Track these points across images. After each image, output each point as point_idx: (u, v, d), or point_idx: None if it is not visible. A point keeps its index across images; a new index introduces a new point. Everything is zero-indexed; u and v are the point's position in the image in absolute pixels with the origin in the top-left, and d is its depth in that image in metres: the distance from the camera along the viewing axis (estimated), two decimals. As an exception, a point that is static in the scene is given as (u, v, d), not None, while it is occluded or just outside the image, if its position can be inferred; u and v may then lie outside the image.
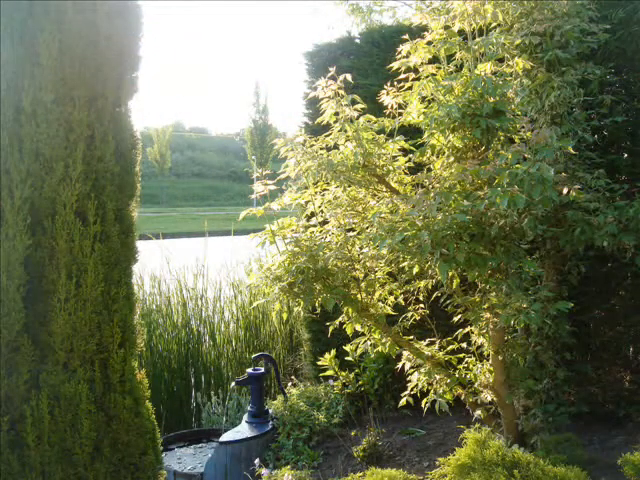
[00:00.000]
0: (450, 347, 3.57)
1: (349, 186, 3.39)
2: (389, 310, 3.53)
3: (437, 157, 3.37)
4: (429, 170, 3.40)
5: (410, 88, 3.34)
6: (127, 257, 2.62)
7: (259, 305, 5.80)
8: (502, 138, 3.20)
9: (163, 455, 2.85)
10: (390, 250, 2.92)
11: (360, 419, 4.40)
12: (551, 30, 3.42)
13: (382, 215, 3.04)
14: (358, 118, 3.31)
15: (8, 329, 2.34)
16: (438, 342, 3.60)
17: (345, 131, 3.30)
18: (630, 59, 4.10)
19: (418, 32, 3.55)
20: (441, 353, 3.56)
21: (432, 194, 2.90)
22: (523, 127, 3.26)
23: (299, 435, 4.13)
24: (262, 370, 4.45)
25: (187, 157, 64.84)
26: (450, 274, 3.19)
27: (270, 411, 4.37)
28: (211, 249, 6.32)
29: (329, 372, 4.65)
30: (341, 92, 3.31)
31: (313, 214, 3.52)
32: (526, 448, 3.26)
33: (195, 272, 5.96)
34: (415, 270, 3.18)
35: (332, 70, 3.30)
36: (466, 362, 3.62)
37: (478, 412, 3.53)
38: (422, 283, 3.53)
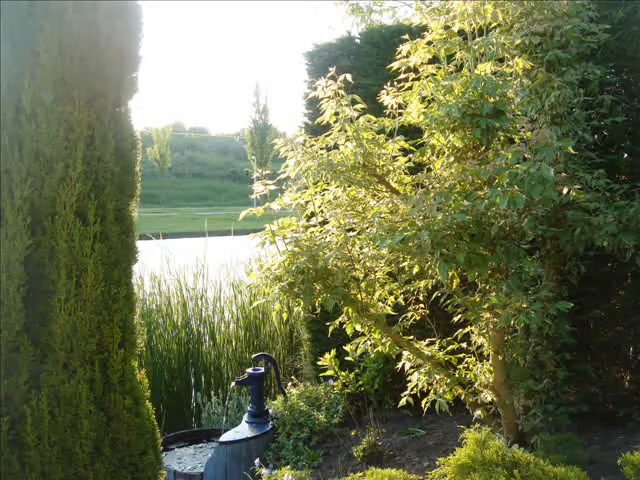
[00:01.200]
0: (450, 347, 3.57)
1: (349, 186, 3.39)
2: (389, 310, 3.53)
3: (437, 157, 3.37)
4: (429, 170, 3.39)
5: (410, 88, 3.34)
6: (127, 257, 2.62)
7: (259, 305, 5.80)
8: (502, 138, 3.19)
9: (163, 455, 2.86)
10: (390, 250, 2.92)
11: (360, 419, 4.40)
12: (551, 30, 3.42)
13: (382, 215, 3.04)
14: (358, 118, 3.31)
15: (8, 329, 2.34)
16: (438, 342, 3.60)
17: (345, 131, 3.30)
18: (630, 59, 4.09)
19: (418, 32, 3.55)
20: (441, 353, 3.55)
21: (432, 194, 2.90)
22: (523, 127, 3.25)
23: (299, 435, 4.13)
24: (262, 370, 4.45)
25: (187, 157, 64.91)
26: (450, 274, 3.19)
27: (270, 411, 4.37)
28: (211, 249, 6.31)
29: (329, 372, 4.65)
30: (341, 92, 3.31)
31: (313, 214, 3.52)
32: (526, 448, 3.26)
33: (195, 272, 5.96)
34: (415, 270, 3.18)
35: (332, 70, 3.30)
36: (466, 362, 3.62)
37: (478, 412, 3.53)
38: (422, 283, 3.53)
